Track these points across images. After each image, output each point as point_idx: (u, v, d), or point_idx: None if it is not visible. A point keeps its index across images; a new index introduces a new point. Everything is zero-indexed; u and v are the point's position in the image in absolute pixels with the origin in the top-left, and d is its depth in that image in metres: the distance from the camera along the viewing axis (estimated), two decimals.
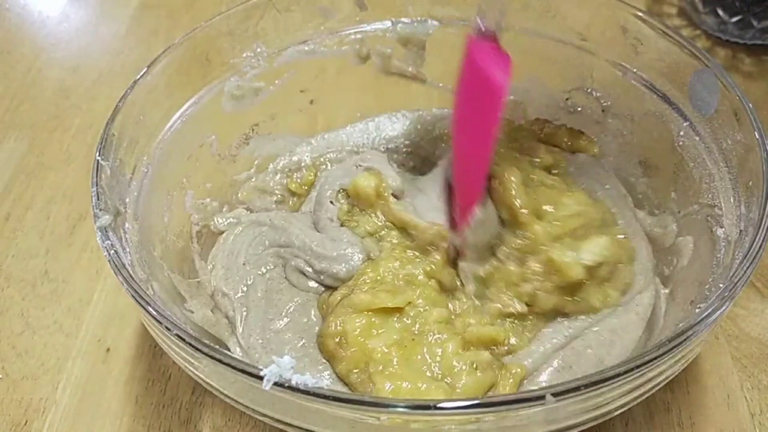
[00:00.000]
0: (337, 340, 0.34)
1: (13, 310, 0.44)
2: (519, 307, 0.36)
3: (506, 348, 0.35)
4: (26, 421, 0.39)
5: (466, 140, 0.38)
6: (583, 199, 0.39)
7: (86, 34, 0.66)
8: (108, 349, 0.42)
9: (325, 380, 0.34)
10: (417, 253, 0.38)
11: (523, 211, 0.37)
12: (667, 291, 0.38)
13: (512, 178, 0.37)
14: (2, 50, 0.64)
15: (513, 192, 0.37)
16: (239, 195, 0.46)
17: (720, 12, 0.58)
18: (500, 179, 0.38)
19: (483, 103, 0.35)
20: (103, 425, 0.39)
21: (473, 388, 0.32)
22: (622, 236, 0.38)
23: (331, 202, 0.42)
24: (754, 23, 0.57)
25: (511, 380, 0.33)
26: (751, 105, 0.35)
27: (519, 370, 0.34)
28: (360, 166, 0.43)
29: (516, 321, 0.36)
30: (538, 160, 0.42)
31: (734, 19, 0.57)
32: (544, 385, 0.33)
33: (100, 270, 0.46)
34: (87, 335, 0.43)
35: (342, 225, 0.41)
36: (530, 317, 0.36)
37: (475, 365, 0.33)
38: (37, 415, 0.39)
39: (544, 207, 0.37)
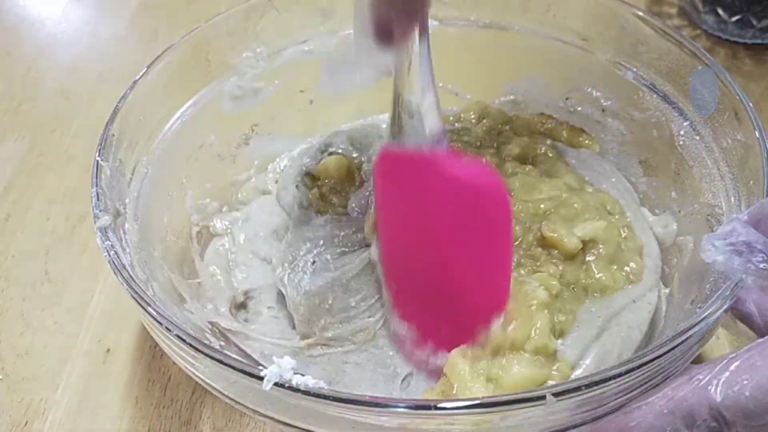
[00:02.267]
0: None
1: (13, 310, 0.44)
2: (551, 269, 0.35)
3: (559, 329, 0.34)
4: (26, 422, 0.39)
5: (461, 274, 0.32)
6: (560, 185, 0.39)
7: (86, 35, 0.66)
8: (108, 350, 0.42)
9: None
10: None
11: None
12: (667, 291, 0.38)
13: None
14: (2, 51, 0.64)
15: None
16: (239, 195, 0.46)
17: (720, 11, 0.58)
18: None
19: (483, 225, 0.31)
20: (103, 426, 0.39)
21: (524, 382, 0.31)
22: (625, 228, 0.38)
23: (297, 186, 0.43)
24: (754, 22, 0.57)
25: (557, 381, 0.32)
26: (751, 104, 0.35)
27: (565, 367, 0.33)
28: (325, 151, 0.44)
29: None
30: (504, 155, 0.42)
31: (734, 19, 0.57)
32: None
33: (100, 271, 0.46)
34: (87, 336, 0.43)
35: (318, 212, 0.41)
36: (564, 289, 0.35)
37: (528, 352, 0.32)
38: (38, 416, 0.39)
39: (513, 191, 0.38)
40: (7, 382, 0.41)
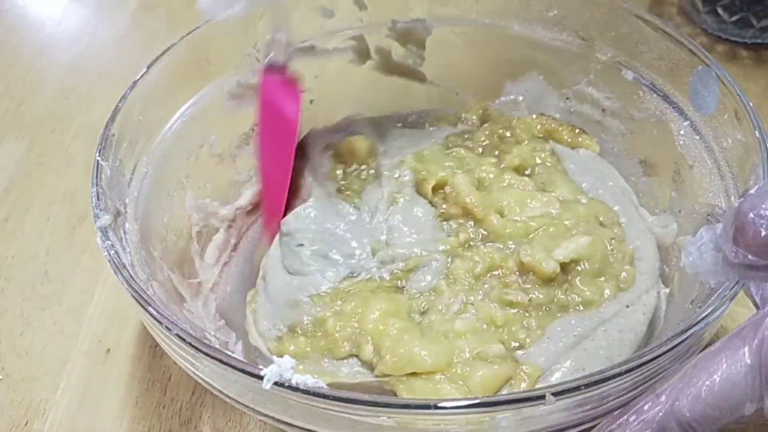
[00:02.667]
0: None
1: (13, 310, 0.44)
2: (519, 296, 0.36)
3: (517, 343, 0.35)
4: (26, 422, 0.39)
5: (269, 165, 0.43)
6: (552, 200, 0.40)
7: (86, 35, 0.66)
8: (108, 350, 0.42)
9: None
10: None
11: (477, 206, 0.39)
12: (667, 290, 0.38)
13: (460, 180, 0.40)
14: (2, 50, 0.64)
15: (464, 192, 0.39)
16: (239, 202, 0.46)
17: (720, 11, 0.58)
18: (450, 185, 0.40)
19: (280, 133, 0.41)
20: (103, 426, 0.39)
21: (490, 380, 0.32)
22: (613, 240, 0.38)
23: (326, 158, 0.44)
24: (754, 22, 0.57)
25: (527, 380, 0.33)
26: (752, 104, 0.36)
27: (531, 369, 0.33)
28: (346, 130, 0.46)
29: (519, 311, 0.36)
30: (503, 165, 0.43)
31: (734, 18, 0.58)
32: None
33: (100, 271, 0.46)
34: (87, 336, 0.43)
35: (338, 192, 0.42)
36: (532, 310, 0.36)
37: (488, 359, 0.33)
38: (38, 416, 0.39)
39: (507, 207, 0.39)
40: (7, 382, 0.41)
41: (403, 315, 0.35)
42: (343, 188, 0.42)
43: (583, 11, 0.45)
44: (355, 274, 0.38)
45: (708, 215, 0.36)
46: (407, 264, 0.38)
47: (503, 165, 0.42)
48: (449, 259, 0.38)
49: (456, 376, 0.32)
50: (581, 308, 0.36)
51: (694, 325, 0.28)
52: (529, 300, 0.36)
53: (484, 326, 0.35)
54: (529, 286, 0.36)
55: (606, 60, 0.44)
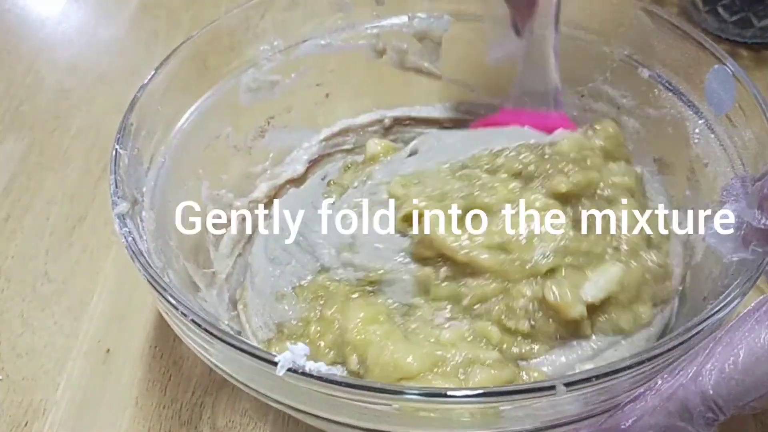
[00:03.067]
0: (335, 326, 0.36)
1: (13, 311, 0.46)
2: (521, 324, 0.34)
3: (519, 350, 0.34)
4: (26, 422, 0.41)
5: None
6: (569, 226, 0.35)
7: (86, 35, 0.69)
8: (108, 350, 0.44)
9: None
10: None
11: (462, 252, 0.34)
12: (679, 288, 0.39)
13: (433, 221, 0.35)
14: (2, 51, 0.66)
15: (440, 236, 0.35)
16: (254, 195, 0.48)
17: (720, 11, 0.60)
18: (423, 224, 0.36)
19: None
20: (103, 426, 0.41)
21: (489, 384, 0.33)
22: (656, 263, 0.36)
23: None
24: (754, 22, 0.60)
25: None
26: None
27: (537, 374, 0.34)
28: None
29: (521, 338, 0.34)
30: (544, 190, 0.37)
31: (734, 18, 0.60)
32: None
33: (100, 271, 0.48)
34: (87, 336, 0.45)
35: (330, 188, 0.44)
36: (541, 337, 0.34)
37: (485, 363, 0.34)
38: (38, 416, 0.41)
39: (513, 240, 0.35)
40: (7, 382, 0.43)
41: (384, 319, 0.35)
42: (332, 182, 0.44)
43: (599, 8, 0.47)
44: (326, 269, 0.38)
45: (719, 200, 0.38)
46: (368, 276, 0.37)
47: (546, 190, 0.37)
48: (421, 284, 0.36)
49: (452, 374, 0.33)
50: (606, 332, 0.35)
51: (707, 319, 0.29)
52: (533, 327, 0.34)
53: (474, 338, 0.34)
54: (542, 314, 0.34)
55: (622, 58, 0.46)
